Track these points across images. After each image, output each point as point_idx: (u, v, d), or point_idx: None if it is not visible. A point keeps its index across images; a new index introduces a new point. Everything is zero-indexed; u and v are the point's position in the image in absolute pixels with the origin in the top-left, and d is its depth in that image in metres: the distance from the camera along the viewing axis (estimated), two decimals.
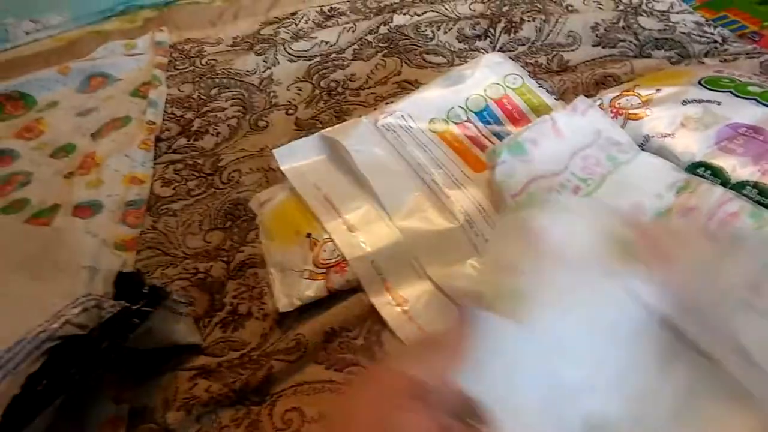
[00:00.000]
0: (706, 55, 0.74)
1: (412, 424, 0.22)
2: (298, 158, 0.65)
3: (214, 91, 0.85)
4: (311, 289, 0.55)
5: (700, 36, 0.77)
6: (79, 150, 0.78)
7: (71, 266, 0.55)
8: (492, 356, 0.29)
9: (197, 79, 0.88)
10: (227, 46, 0.95)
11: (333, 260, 0.56)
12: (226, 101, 0.83)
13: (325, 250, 0.57)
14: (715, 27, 0.79)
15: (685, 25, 0.79)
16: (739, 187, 0.55)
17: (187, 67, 0.92)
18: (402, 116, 0.67)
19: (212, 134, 0.78)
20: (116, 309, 0.49)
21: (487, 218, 0.57)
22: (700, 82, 0.64)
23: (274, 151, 0.67)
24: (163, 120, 0.82)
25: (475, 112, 0.68)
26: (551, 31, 0.83)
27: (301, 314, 0.55)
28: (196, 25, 1.02)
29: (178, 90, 0.87)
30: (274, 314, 0.55)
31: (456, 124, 0.67)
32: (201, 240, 0.64)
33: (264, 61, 0.88)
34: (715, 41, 0.75)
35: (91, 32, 1.05)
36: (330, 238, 0.58)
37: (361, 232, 0.58)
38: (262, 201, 0.65)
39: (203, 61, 0.92)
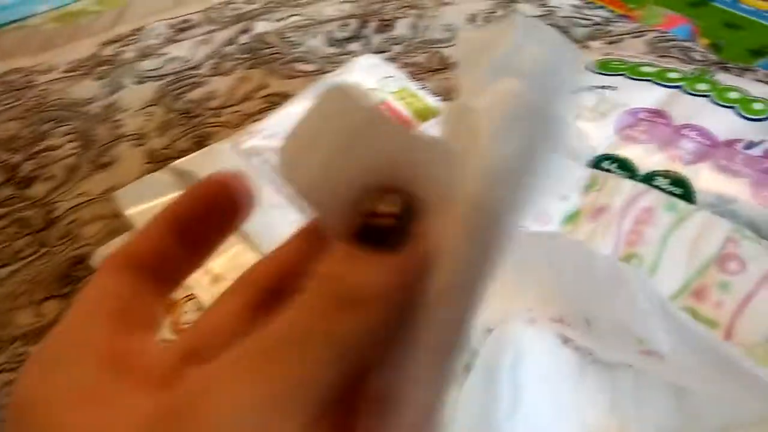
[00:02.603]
0: (590, 38, 0.69)
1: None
2: (147, 199, 0.54)
3: (46, 127, 0.72)
4: None
5: (582, 19, 0.72)
6: None
7: None
8: None
9: (26, 114, 0.74)
10: (62, 72, 0.82)
11: None
12: (62, 137, 0.70)
13: (185, 311, 0.47)
14: (593, 8, 0.75)
15: (564, 8, 0.75)
16: (648, 179, 0.50)
17: (12, 102, 0.77)
18: (269, 136, 0.58)
19: (44, 179, 0.65)
20: None
21: None
22: (590, 68, 0.59)
23: (115, 193, 0.55)
24: None
25: None
26: (427, 26, 0.77)
27: None
28: (24, 51, 0.88)
29: (3, 130, 0.73)
30: None
31: None
32: (33, 314, 0.52)
33: (105, 86, 0.76)
34: (598, 23, 0.71)
35: None
36: (191, 295, 0.47)
37: (230, 280, 0.48)
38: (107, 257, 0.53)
39: (33, 93, 0.78)
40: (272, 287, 0.19)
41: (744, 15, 0.79)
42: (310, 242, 0.19)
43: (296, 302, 0.15)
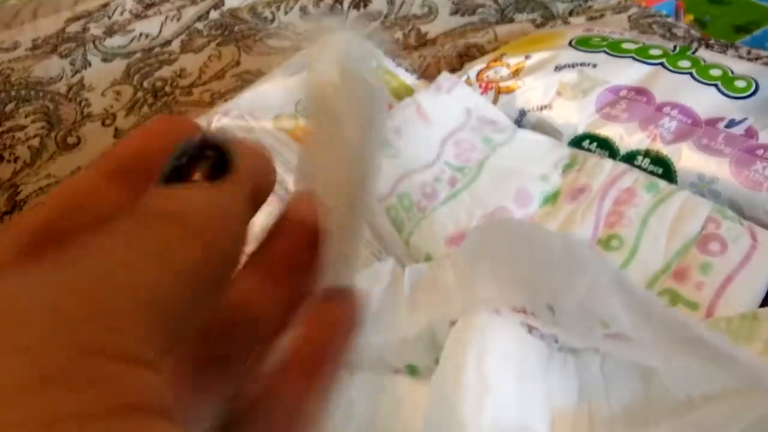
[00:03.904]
0: (570, 14, 0.68)
1: None
2: None
3: (10, 107, 0.69)
4: None
5: None
6: None
7: None
8: None
9: None
10: (26, 50, 0.79)
11: None
12: (26, 117, 0.68)
13: None
14: None
15: None
16: (629, 158, 0.49)
17: None
18: (240, 116, 0.56)
19: (8, 160, 0.63)
20: None
21: None
22: (570, 44, 0.57)
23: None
24: None
25: None
26: (404, 1, 0.75)
27: None
28: None
29: None
30: None
31: None
32: None
33: (71, 64, 0.73)
34: None
35: None
36: None
37: None
38: None
39: None
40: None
41: None
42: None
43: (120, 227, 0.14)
